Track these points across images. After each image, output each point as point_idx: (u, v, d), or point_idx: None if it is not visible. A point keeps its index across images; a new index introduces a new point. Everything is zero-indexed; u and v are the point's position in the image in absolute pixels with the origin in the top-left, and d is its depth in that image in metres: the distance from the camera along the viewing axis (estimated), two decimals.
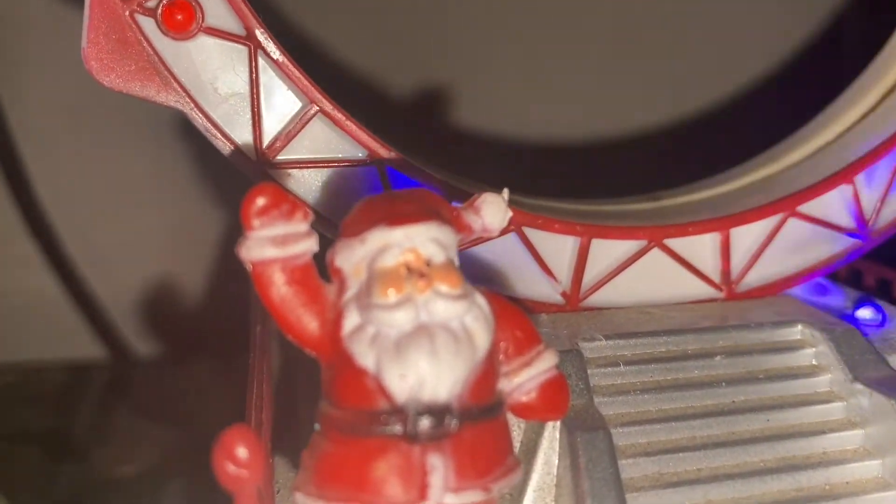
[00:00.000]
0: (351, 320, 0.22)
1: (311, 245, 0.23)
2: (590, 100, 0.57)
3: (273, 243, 0.22)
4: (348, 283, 0.23)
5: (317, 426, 0.23)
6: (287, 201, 0.23)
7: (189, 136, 0.54)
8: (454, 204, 0.26)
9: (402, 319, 0.22)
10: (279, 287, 0.23)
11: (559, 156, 0.58)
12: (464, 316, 0.22)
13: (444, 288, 0.22)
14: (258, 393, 0.29)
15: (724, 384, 0.31)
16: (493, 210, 0.25)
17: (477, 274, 0.34)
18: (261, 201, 0.22)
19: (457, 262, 0.24)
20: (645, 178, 0.42)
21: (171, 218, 0.57)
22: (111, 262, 0.58)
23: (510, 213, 0.26)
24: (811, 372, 0.32)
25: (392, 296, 0.22)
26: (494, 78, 0.56)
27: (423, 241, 0.22)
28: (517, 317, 0.24)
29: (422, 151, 0.36)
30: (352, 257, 0.23)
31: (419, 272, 0.22)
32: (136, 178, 0.56)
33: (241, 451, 0.20)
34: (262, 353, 0.32)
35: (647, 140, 0.58)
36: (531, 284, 0.34)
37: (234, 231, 0.24)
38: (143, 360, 0.61)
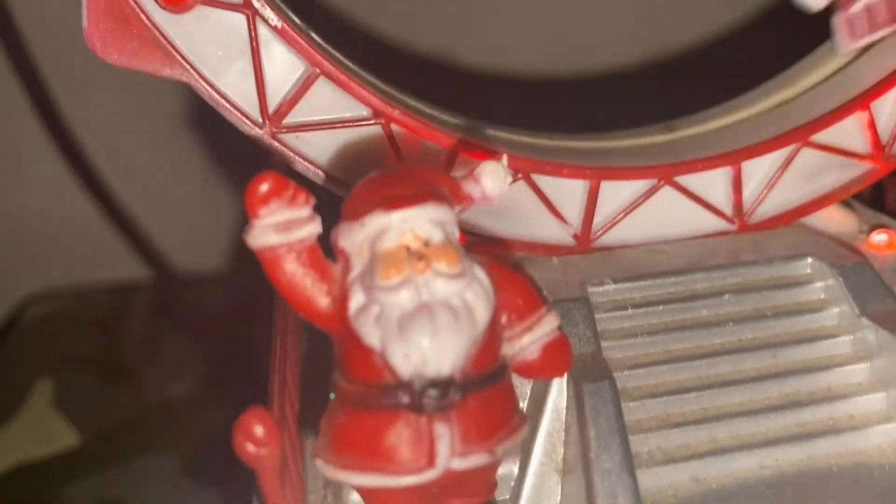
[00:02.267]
0: (356, 300, 0.23)
1: (313, 229, 0.24)
2: (598, 26, 0.56)
3: (276, 230, 0.23)
4: (352, 262, 0.24)
5: (332, 395, 0.25)
6: (289, 187, 0.23)
7: None
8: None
9: (404, 300, 0.23)
10: (286, 270, 0.24)
11: (569, 88, 0.57)
12: (464, 292, 0.23)
13: (443, 267, 0.23)
14: (282, 354, 0.30)
15: (731, 323, 0.32)
16: (492, 178, 0.26)
17: (487, 220, 0.34)
18: (263, 188, 0.23)
19: (457, 234, 0.24)
20: (658, 106, 0.41)
21: (206, 134, 0.57)
22: (145, 180, 0.59)
23: (510, 179, 0.26)
24: (819, 307, 0.32)
25: (393, 277, 0.23)
26: (498, 13, 0.54)
27: (421, 222, 0.23)
28: (518, 284, 0.25)
29: (432, 96, 0.36)
30: (353, 239, 0.24)
31: (418, 253, 0.23)
32: (170, 95, 0.55)
33: (259, 430, 0.22)
34: (286, 311, 0.33)
35: (659, 66, 0.57)
36: (542, 228, 0.35)
37: None
38: (186, 278, 0.62)
